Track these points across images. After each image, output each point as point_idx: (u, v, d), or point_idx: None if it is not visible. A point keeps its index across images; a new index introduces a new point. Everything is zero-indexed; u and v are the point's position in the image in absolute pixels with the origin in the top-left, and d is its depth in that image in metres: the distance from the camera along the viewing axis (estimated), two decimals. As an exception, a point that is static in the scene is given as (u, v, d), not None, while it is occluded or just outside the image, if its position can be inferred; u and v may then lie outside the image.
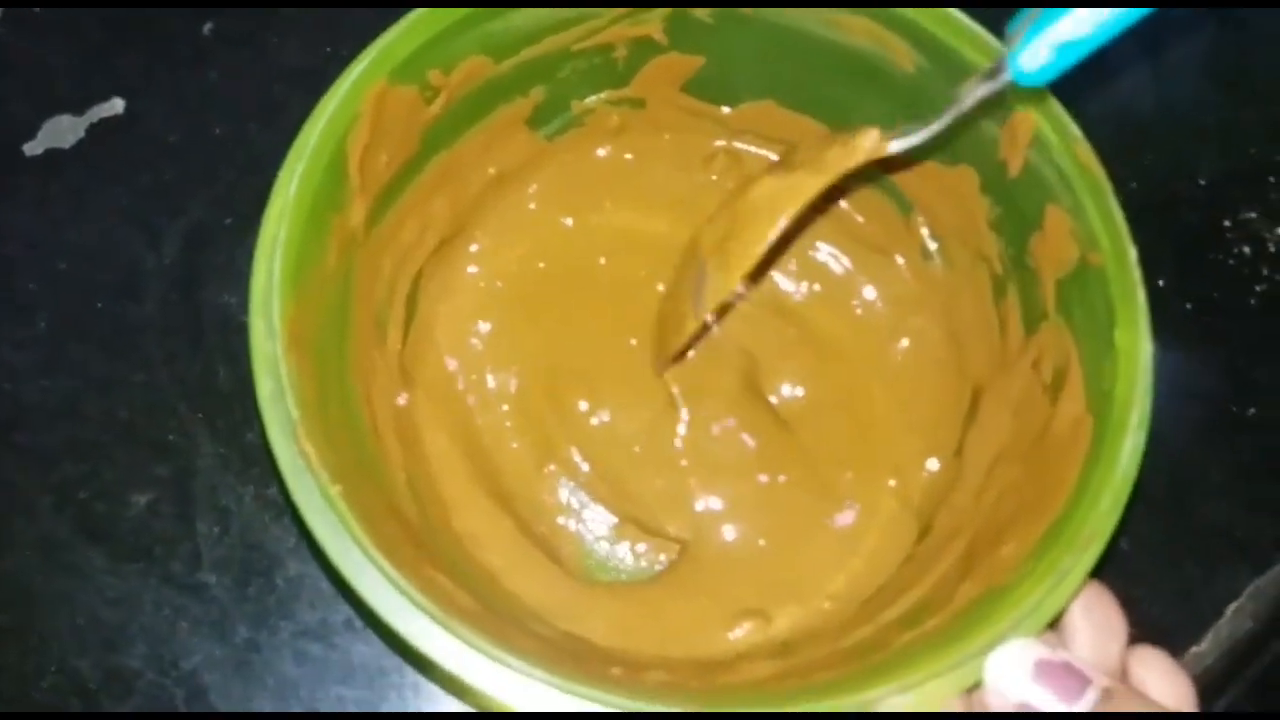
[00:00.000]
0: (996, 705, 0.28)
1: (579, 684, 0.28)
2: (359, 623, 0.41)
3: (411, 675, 0.40)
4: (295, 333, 0.31)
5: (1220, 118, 0.52)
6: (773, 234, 0.35)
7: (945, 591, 0.33)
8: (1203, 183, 0.50)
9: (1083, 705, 0.27)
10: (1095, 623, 0.30)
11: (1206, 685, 0.42)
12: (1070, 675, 0.27)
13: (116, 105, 0.48)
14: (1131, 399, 0.31)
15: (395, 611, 0.28)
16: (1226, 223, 0.50)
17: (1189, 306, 0.48)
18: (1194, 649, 0.43)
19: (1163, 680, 0.30)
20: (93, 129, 0.47)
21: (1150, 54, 0.52)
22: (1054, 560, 0.30)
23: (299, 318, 0.31)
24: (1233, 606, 0.43)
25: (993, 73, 0.31)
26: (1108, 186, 0.34)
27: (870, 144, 0.34)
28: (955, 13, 0.35)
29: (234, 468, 0.42)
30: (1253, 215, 0.50)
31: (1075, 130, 0.34)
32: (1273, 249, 0.49)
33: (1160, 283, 0.48)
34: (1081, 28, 0.29)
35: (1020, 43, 0.29)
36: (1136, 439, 0.31)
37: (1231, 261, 0.49)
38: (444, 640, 0.28)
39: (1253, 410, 0.47)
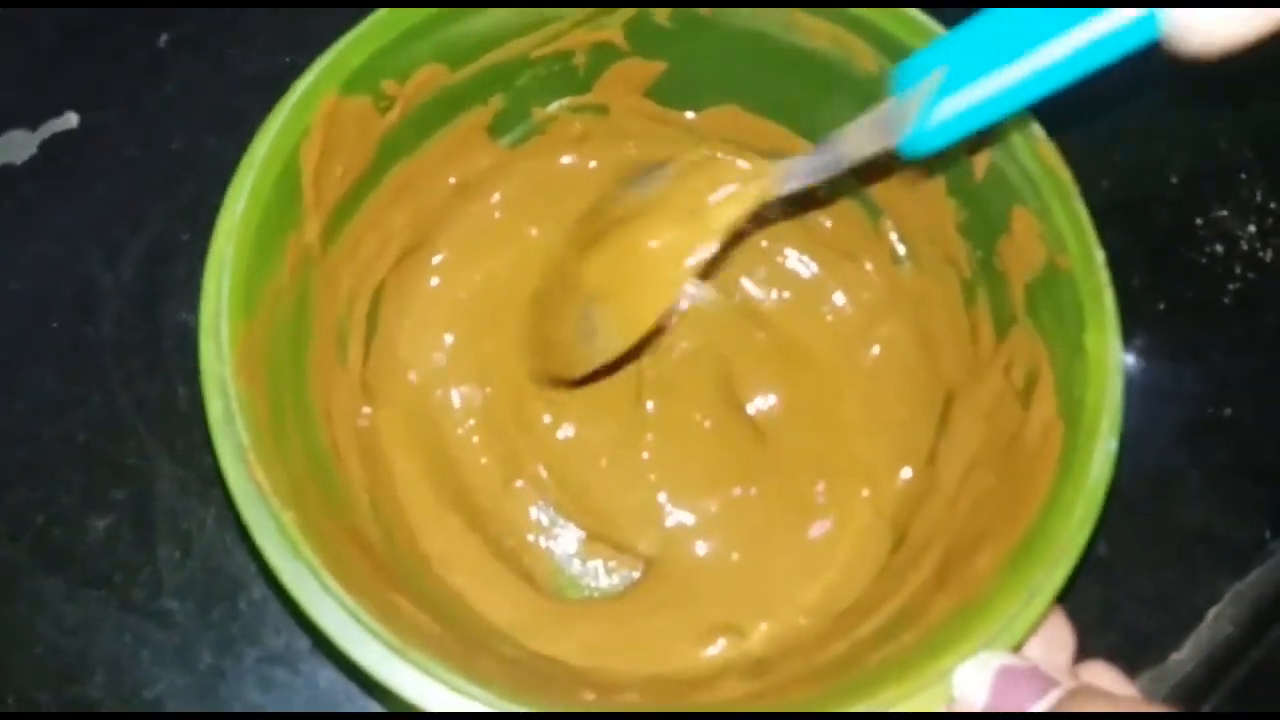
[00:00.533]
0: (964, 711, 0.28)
1: (546, 711, 0.27)
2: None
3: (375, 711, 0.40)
4: (247, 354, 0.30)
5: (1190, 115, 0.51)
6: (675, 298, 0.35)
7: (920, 604, 0.33)
8: (1174, 181, 0.50)
9: (1048, 701, 0.27)
10: (1044, 635, 0.30)
11: (1187, 691, 0.41)
12: (1035, 680, 0.27)
13: (71, 119, 0.47)
14: (1102, 405, 0.31)
15: (351, 639, 0.27)
16: (1199, 221, 0.49)
17: (1162, 306, 0.48)
18: (1174, 655, 0.42)
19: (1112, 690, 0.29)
20: (46, 144, 0.47)
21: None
22: (1026, 575, 0.29)
23: (251, 338, 0.31)
24: (1213, 611, 0.43)
25: (882, 131, 0.30)
26: (1073, 188, 0.33)
27: (764, 189, 0.34)
28: (915, 13, 0.35)
29: (194, 490, 0.42)
30: (1224, 213, 0.49)
31: (1039, 131, 0.34)
32: (1245, 247, 0.49)
33: (1134, 282, 0.48)
34: (980, 98, 0.28)
35: (917, 118, 0.29)
36: (1108, 446, 0.31)
37: (1204, 260, 0.49)
38: (401, 668, 0.27)
39: (1229, 410, 0.46)
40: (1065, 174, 0.34)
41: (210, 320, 0.30)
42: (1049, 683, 0.27)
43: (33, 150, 0.46)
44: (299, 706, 0.39)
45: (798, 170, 0.33)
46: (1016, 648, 0.29)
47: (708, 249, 0.34)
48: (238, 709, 0.39)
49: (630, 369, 0.41)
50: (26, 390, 0.43)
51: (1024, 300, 0.35)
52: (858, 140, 0.31)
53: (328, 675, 0.40)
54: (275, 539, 0.28)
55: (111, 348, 0.44)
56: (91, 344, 0.44)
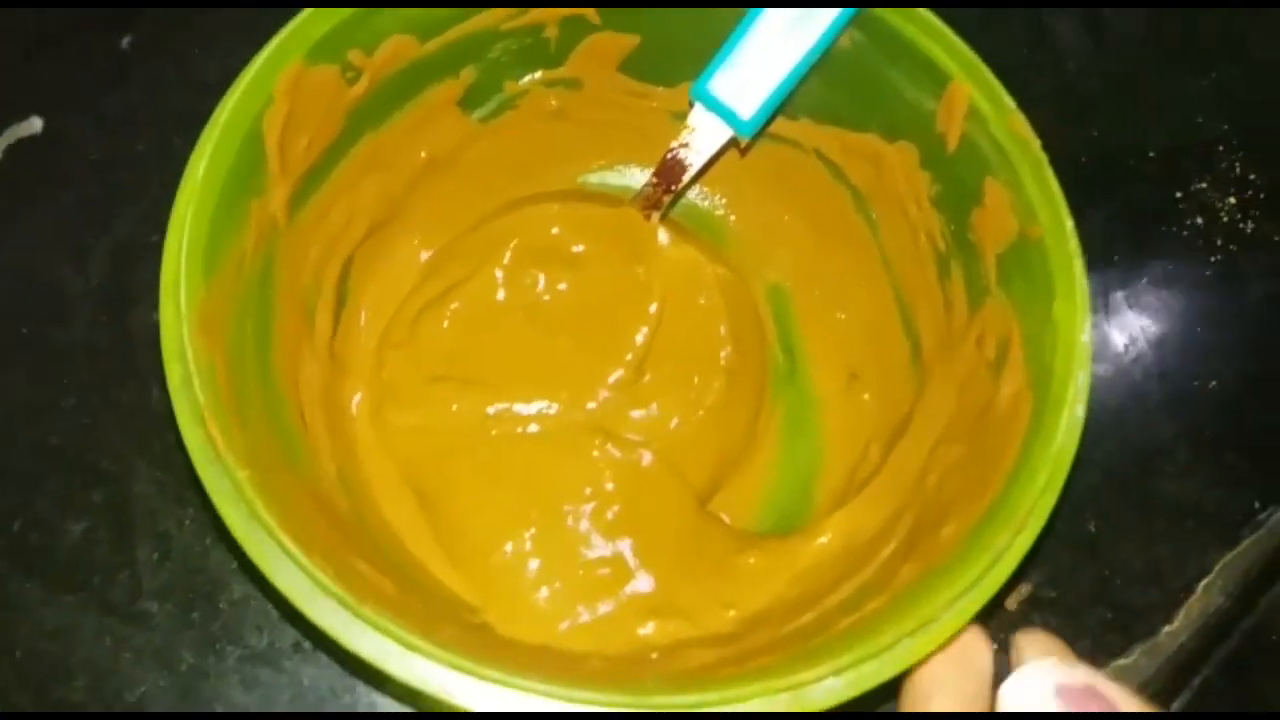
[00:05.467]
0: None
1: (511, 674, 0.27)
2: (308, 645, 0.40)
3: (364, 695, 0.39)
4: (206, 317, 0.30)
5: (1166, 88, 0.51)
6: None
7: (887, 575, 0.32)
8: (1152, 155, 0.50)
9: None
10: (959, 660, 0.29)
11: (1181, 663, 0.41)
12: (1093, 699, 0.26)
13: (35, 124, 0.47)
14: (1070, 372, 0.31)
15: (305, 597, 0.27)
16: (1179, 194, 0.49)
17: (1145, 280, 0.47)
18: (1166, 628, 0.42)
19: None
20: (11, 149, 0.46)
21: (1094, 27, 0.52)
22: (990, 540, 0.29)
23: (211, 302, 0.30)
24: (1203, 583, 0.43)
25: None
26: (1043, 158, 0.34)
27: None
28: None
29: (171, 491, 0.41)
30: (1204, 186, 0.49)
31: (1009, 102, 0.34)
32: (1225, 219, 0.49)
33: (1115, 257, 0.47)
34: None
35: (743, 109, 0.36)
36: (1074, 414, 0.30)
37: (1185, 233, 0.49)
38: (357, 628, 0.27)
39: (1214, 383, 0.46)
40: (1035, 144, 0.34)
41: (170, 284, 0.30)
42: (1109, 705, 0.26)
43: (-2, 156, 0.46)
44: (283, 705, 0.39)
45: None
46: (986, 611, 0.29)
47: None
48: (220, 709, 0.39)
49: (594, 351, 0.40)
50: (-1, 396, 0.42)
51: (996, 271, 0.35)
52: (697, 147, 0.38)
53: (311, 673, 0.39)
54: (230, 497, 0.28)
55: (83, 351, 0.43)
56: (62, 348, 0.43)
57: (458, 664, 0.27)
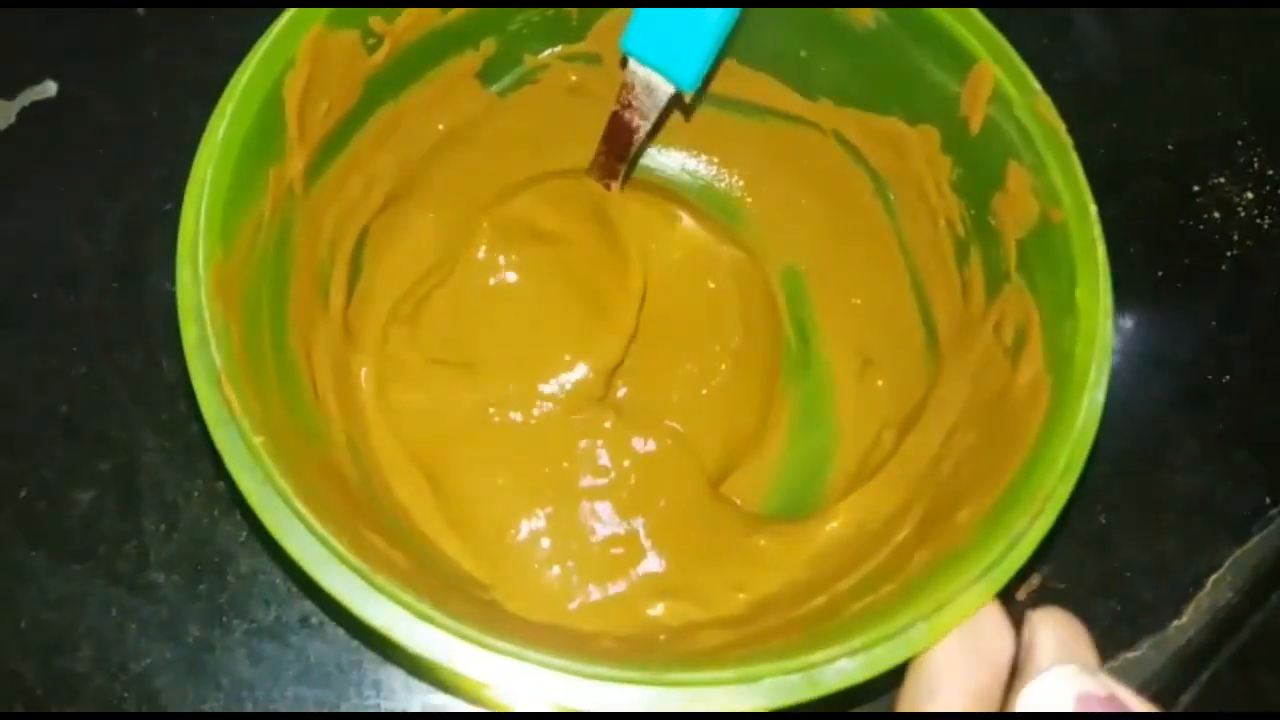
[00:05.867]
0: None
1: (520, 644, 0.26)
2: (315, 619, 0.39)
3: (371, 672, 0.39)
4: (223, 281, 0.30)
5: (1185, 83, 0.51)
6: None
7: (901, 559, 0.32)
8: (1171, 148, 0.50)
9: None
10: (1068, 656, 0.28)
11: (1189, 658, 0.41)
12: (1114, 706, 0.26)
13: (49, 88, 0.46)
14: (1090, 357, 0.30)
15: (318, 565, 0.27)
16: (1196, 189, 0.49)
17: (1161, 274, 0.47)
18: (1175, 623, 0.42)
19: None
20: (24, 113, 0.46)
21: (1115, 20, 0.52)
22: (1009, 523, 0.29)
23: (227, 265, 0.30)
24: (1213, 578, 0.43)
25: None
26: (1068, 142, 0.33)
27: None
28: None
29: (179, 462, 0.41)
30: (1221, 180, 0.49)
31: (1035, 84, 0.34)
32: (1242, 214, 0.49)
33: (1131, 250, 0.47)
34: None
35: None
36: (1094, 397, 0.30)
37: (1202, 227, 0.48)
38: (370, 596, 0.26)
39: (1228, 378, 0.46)
40: (1060, 127, 0.33)
41: (188, 245, 0.29)
42: (1130, 713, 0.26)
43: (10, 119, 0.46)
44: (288, 680, 0.39)
45: None
46: (1003, 594, 0.28)
47: None
48: (226, 683, 0.39)
49: (591, 329, 0.40)
50: (7, 362, 0.42)
51: (1016, 257, 0.35)
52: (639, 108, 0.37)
53: (318, 648, 0.39)
54: (246, 461, 0.27)
55: (93, 318, 0.43)
56: (73, 315, 0.43)
57: (468, 635, 0.26)
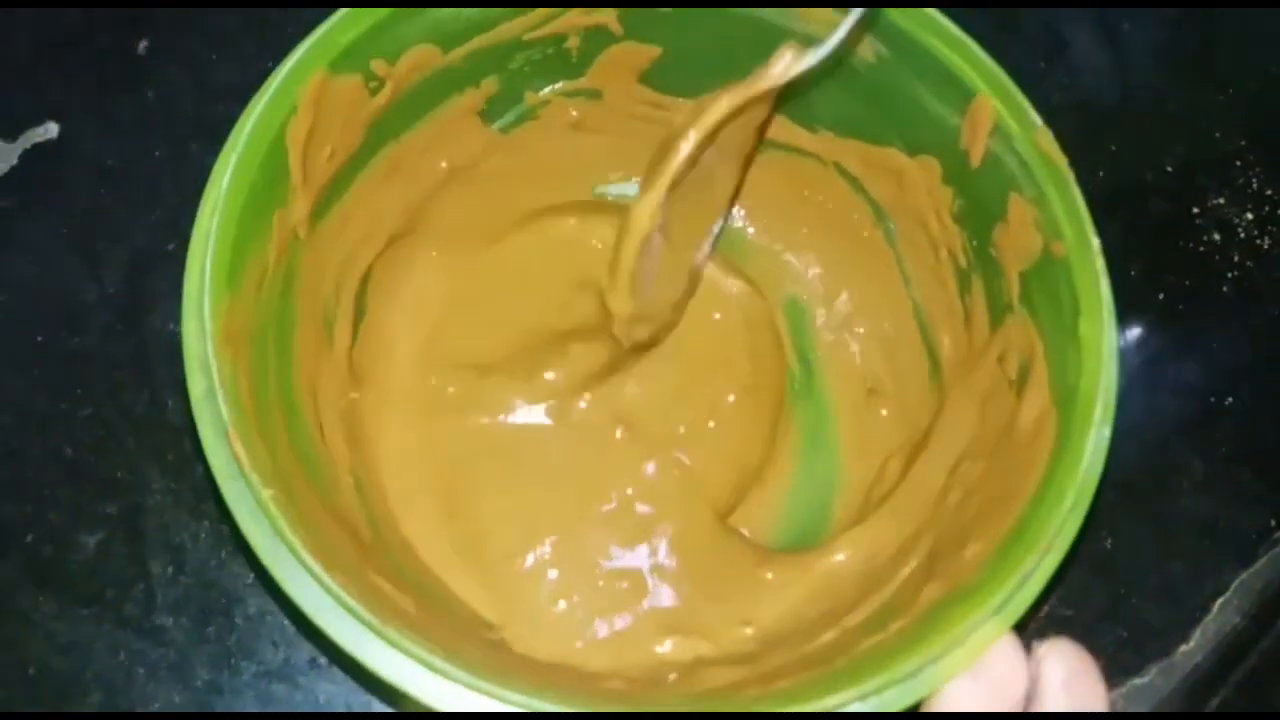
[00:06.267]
0: None
1: (530, 694, 0.26)
2: (324, 660, 0.39)
3: (380, 711, 0.39)
4: (230, 331, 0.30)
5: (1184, 104, 0.51)
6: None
7: (909, 595, 0.32)
8: (1170, 170, 0.50)
9: None
10: (1075, 697, 0.28)
11: (1197, 683, 0.41)
12: None
13: (50, 129, 0.46)
14: (1095, 392, 0.31)
15: (328, 618, 0.27)
16: (1195, 210, 0.49)
17: (1162, 296, 0.47)
18: (1182, 648, 0.42)
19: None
20: (26, 155, 0.46)
21: (1112, 41, 0.52)
22: (1017, 560, 0.29)
23: (235, 315, 0.30)
24: (1219, 602, 0.43)
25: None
26: (1070, 175, 0.33)
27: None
28: (931, 11, 0.35)
29: (186, 503, 0.41)
30: (1221, 201, 0.49)
31: (1036, 118, 0.34)
32: (1243, 235, 0.49)
33: (1132, 272, 0.47)
34: None
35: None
36: (1100, 434, 0.30)
37: (1202, 249, 0.48)
38: (379, 648, 0.27)
39: (1230, 399, 0.46)
40: (1062, 161, 0.33)
41: (193, 296, 0.29)
42: None
43: (13, 161, 0.46)
44: (300, 724, 0.39)
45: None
46: (1019, 626, 0.28)
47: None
48: (236, 727, 0.38)
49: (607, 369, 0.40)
50: (11, 405, 0.42)
51: (1019, 288, 0.35)
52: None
53: (327, 689, 0.39)
54: (255, 516, 0.27)
55: (98, 360, 0.43)
56: (77, 357, 0.43)
57: (478, 686, 0.26)
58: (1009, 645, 0.28)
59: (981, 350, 0.37)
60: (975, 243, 0.37)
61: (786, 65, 0.34)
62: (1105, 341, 0.31)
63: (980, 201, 0.36)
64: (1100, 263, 0.32)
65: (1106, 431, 0.30)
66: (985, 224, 0.36)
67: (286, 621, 0.40)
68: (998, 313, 0.36)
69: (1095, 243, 0.32)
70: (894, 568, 0.35)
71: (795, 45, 0.34)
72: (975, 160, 0.36)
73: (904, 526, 0.36)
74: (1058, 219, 0.33)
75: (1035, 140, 0.34)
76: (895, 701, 0.27)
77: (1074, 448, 0.30)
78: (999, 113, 0.34)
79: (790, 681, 0.30)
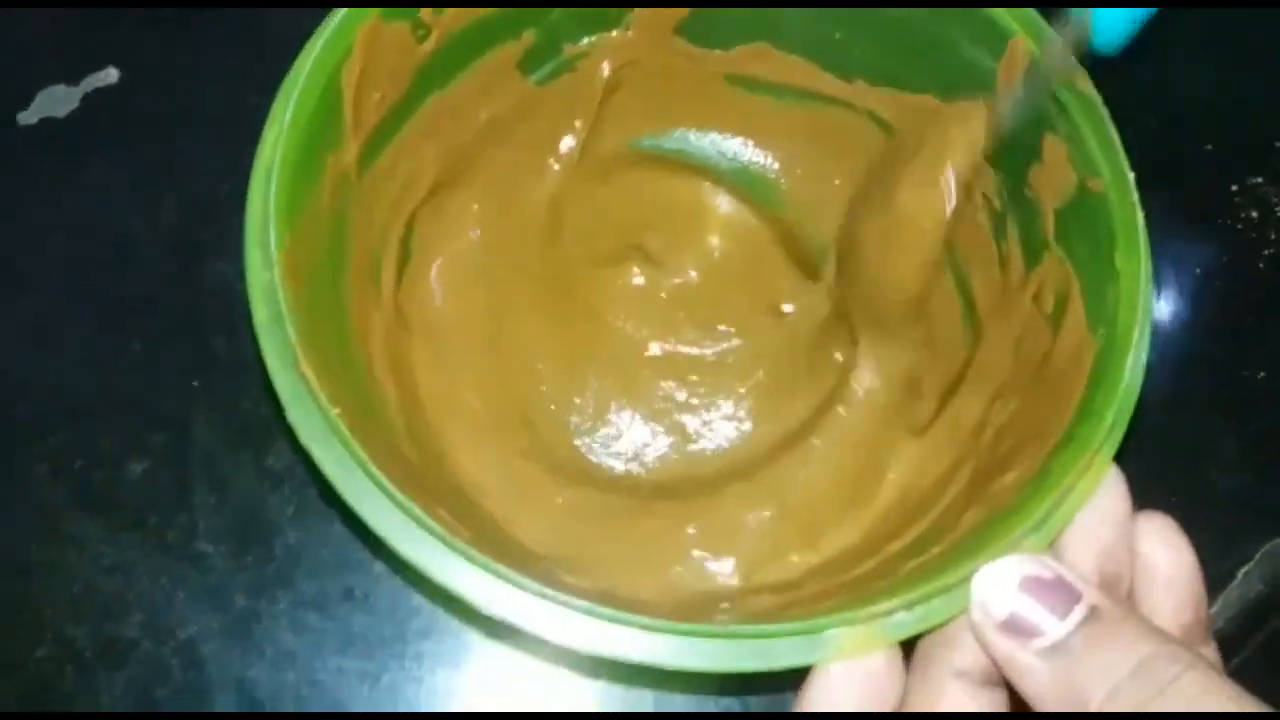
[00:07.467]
0: (979, 619, 0.27)
1: (594, 603, 0.27)
2: (358, 592, 0.40)
3: (413, 644, 0.40)
4: (291, 263, 0.30)
5: (1224, 84, 0.52)
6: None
7: (950, 521, 0.33)
8: (1209, 148, 0.50)
9: (1069, 624, 0.26)
10: (1094, 506, 0.29)
11: (1220, 646, 0.41)
12: (1060, 590, 0.26)
13: (111, 75, 0.47)
14: (1134, 320, 0.31)
15: (400, 534, 0.27)
16: (1234, 188, 0.49)
17: (1198, 271, 0.48)
18: (1207, 612, 0.42)
19: (1165, 552, 0.30)
20: (87, 98, 0.47)
21: (1156, 20, 0.52)
22: (1058, 479, 0.29)
23: (295, 249, 0.31)
24: (1243, 570, 0.43)
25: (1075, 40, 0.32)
26: (1104, 112, 0.34)
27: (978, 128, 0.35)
28: None
29: (231, 437, 0.42)
30: (1259, 180, 0.49)
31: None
32: (1279, 213, 0.49)
33: (1168, 247, 0.47)
34: None
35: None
36: (1138, 355, 0.31)
37: (1239, 226, 0.49)
38: (454, 561, 0.27)
39: (1263, 374, 0.46)
40: (1097, 98, 0.34)
41: (256, 228, 0.30)
42: (1076, 596, 0.26)
43: (74, 105, 0.47)
44: (330, 651, 0.40)
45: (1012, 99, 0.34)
46: (1051, 546, 0.29)
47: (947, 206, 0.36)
48: (270, 651, 0.40)
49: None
50: (65, 342, 0.43)
51: (1055, 227, 0.35)
52: (1054, 58, 0.33)
53: (360, 620, 0.40)
54: (324, 437, 0.28)
55: (149, 299, 0.44)
56: (129, 296, 0.44)
57: (545, 594, 0.27)
58: (892, 651, 0.28)
59: (1017, 290, 0.37)
60: (1010, 184, 0.37)
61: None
62: (1141, 270, 0.32)
63: (1015, 143, 0.36)
64: (1135, 195, 0.33)
65: (1143, 356, 0.31)
66: (1020, 165, 0.36)
67: (324, 553, 0.41)
68: (1033, 252, 0.37)
69: (1130, 176, 0.33)
70: (935, 497, 0.35)
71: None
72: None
73: (943, 460, 0.36)
74: (1093, 155, 0.33)
75: (1071, 79, 0.34)
76: (939, 612, 0.28)
77: (1114, 370, 0.30)
78: (1035, 54, 0.34)
79: (833, 601, 0.31)
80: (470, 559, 0.27)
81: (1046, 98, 0.34)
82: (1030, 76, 0.34)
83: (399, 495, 0.27)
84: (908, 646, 0.29)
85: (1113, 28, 0.31)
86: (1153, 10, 0.31)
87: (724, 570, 0.37)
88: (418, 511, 0.27)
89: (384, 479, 0.27)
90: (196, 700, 0.39)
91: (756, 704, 0.39)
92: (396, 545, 0.27)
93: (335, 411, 0.28)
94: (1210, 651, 0.30)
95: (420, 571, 0.27)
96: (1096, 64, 0.34)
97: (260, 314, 0.29)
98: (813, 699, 0.27)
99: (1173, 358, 0.46)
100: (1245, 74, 0.52)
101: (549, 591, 0.27)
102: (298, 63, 0.32)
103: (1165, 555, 0.30)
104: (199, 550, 0.41)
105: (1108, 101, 0.34)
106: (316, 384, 0.28)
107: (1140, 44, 0.52)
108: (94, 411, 0.42)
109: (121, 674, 0.39)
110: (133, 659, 0.39)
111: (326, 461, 0.28)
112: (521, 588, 0.27)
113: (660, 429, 0.41)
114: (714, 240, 0.43)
